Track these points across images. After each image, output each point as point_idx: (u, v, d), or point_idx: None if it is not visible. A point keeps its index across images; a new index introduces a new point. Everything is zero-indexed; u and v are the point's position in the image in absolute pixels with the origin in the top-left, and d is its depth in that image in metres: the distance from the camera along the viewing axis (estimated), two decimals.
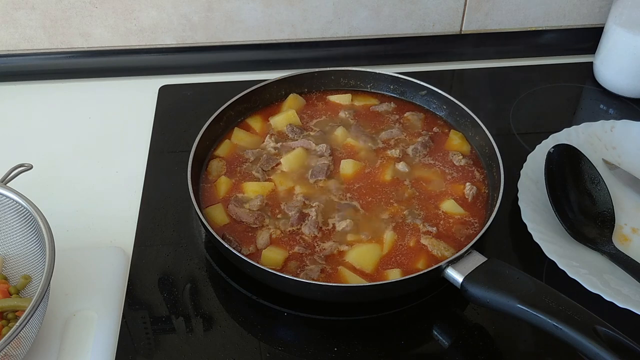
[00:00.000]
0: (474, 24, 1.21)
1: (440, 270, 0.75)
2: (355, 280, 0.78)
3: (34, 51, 1.18)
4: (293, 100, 1.04)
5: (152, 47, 1.19)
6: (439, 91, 1.01)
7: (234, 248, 0.78)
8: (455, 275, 0.73)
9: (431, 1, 1.17)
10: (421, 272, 0.74)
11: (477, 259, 0.75)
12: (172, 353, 0.76)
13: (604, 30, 1.14)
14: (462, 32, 1.22)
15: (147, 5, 1.13)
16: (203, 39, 1.19)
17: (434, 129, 1.00)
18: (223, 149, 0.96)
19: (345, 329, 0.79)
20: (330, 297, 0.79)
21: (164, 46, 1.19)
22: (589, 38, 1.21)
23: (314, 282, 0.77)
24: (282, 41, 1.20)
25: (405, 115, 1.02)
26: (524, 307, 0.67)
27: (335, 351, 0.76)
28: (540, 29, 1.23)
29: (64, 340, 0.76)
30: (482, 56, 1.23)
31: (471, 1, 1.18)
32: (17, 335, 0.64)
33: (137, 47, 1.19)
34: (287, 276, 0.75)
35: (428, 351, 0.77)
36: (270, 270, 0.75)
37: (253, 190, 0.89)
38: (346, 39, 1.20)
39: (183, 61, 1.21)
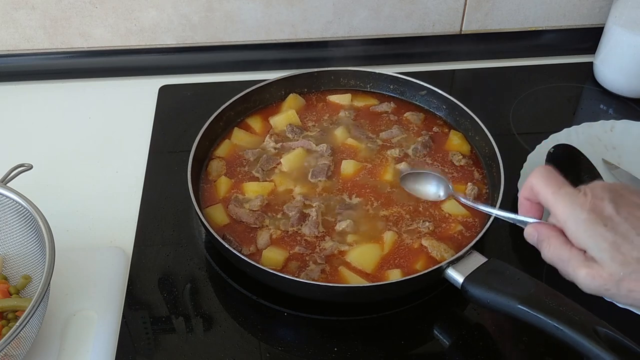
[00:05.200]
0: (474, 24, 1.21)
1: (440, 271, 0.75)
2: (355, 281, 0.78)
3: (34, 51, 1.17)
4: (293, 100, 1.04)
5: (152, 47, 1.19)
6: (439, 91, 1.01)
7: (234, 248, 0.78)
8: (456, 276, 0.73)
9: (431, 1, 1.17)
10: (422, 273, 0.74)
11: (477, 260, 0.75)
12: (172, 353, 0.76)
13: (604, 30, 1.13)
14: (462, 32, 1.22)
15: (147, 5, 1.13)
16: (203, 39, 1.19)
17: (434, 129, 1.00)
18: (223, 149, 0.96)
19: (345, 329, 0.79)
20: (331, 298, 0.79)
21: (164, 46, 1.19)
22: (589, 38, 1.21)
23: (314, 282, 0.77)
24: (282, 41, 1.20)
25: (405, 115, 1.02)
26: (524, 308, 0.67)
27: (335, 351, 0.76)
28: (540, 29, 1.23)
29: (64, 340, 0.76)
30: (482, 56, 1.23)
31: (471, 1, 1.18)
32: (17, 335, 0.64)
33: (137, 47, 1.19)
34: (287, 276, 0.75)
35: (428, 351, 0.77)
36: (270, 271, 0.75)
37: (253, 190, 0.89)
38: (346, 39, 1.20)
39: (183, 61, 1.21)
